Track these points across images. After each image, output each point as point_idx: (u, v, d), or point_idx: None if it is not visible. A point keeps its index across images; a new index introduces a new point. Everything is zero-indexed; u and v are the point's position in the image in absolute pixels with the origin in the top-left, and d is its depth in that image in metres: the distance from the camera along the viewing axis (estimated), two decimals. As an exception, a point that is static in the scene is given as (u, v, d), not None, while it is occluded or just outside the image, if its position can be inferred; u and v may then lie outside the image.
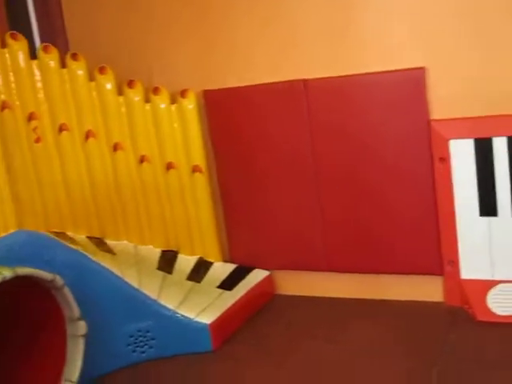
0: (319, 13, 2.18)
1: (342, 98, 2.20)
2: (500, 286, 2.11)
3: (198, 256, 2.50)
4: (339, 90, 2.20)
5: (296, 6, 2.22)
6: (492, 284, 2.12)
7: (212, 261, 2.50)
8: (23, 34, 2.31)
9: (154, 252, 2.48)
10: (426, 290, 2.25)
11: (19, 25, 2.48)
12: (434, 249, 2.19)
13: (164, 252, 2.50)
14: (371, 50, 2.15)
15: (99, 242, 2.42)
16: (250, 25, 2.29)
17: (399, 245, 2.25)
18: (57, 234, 2.39)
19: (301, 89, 2.24)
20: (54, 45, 2.40)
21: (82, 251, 2.10)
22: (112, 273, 2.12)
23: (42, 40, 2.53)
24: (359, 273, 2.34)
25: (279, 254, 2.45)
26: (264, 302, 2.44)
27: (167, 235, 2.51)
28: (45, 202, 2.38)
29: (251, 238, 2.49)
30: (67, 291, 1.99)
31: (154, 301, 2.15)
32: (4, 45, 2.24)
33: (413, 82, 2.11)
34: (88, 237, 2.44)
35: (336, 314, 2.29)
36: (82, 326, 2.04)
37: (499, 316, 2.08)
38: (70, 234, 2.41)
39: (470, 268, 2.15)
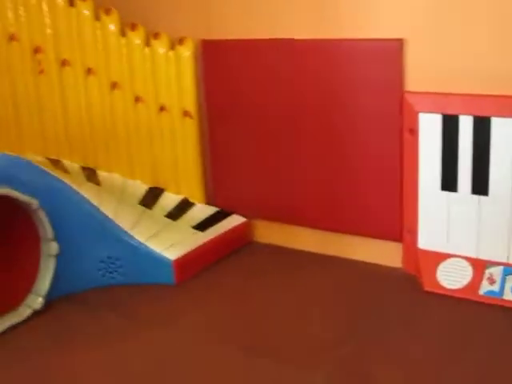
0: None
1: (325, 60, 2.27)
2: (451, 259, 2.17)
3: (183, 196, 2.65)
4: (323, 53, 2.27)
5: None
6: (444, 257, 2.18)
7: (195, 202, 2.64)
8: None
9: (140, 187, 2.65)
10: (387, 254, 2.34)
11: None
12: (396, 216, 2.27)
13: (151, 188, 2.66)
14: (355, 15, 2.20)
15: (91, 173, 2.60)
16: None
17: (365, 209, 2.33)
18: (52, 160, 2.60)
19: (288, 47, 2.32)
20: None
21: (59, 177, 2.27)
22: (88, 201, 2.29)
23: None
24: (327, 230, 2.45)
25: (258, 203, 2.58)
26: (237, 247, 2.58)
27: (156, 173, 2.66)
28: (44, 130, 2.59)
29: (235, 184, 2.61)
30: (42, 213, 2.19)
31: (125, 232, 2.33)
32: (15, -20, 2.43)
33: (390, 53, 2.15)
34: (82, 167, 2.64)
35: (297, 266, 2.42)
36: (54, 247, 2.25)
37: (445, 288, 2.15)
38: (65, 161, 2.61)
39: (426, 239, 2.22)
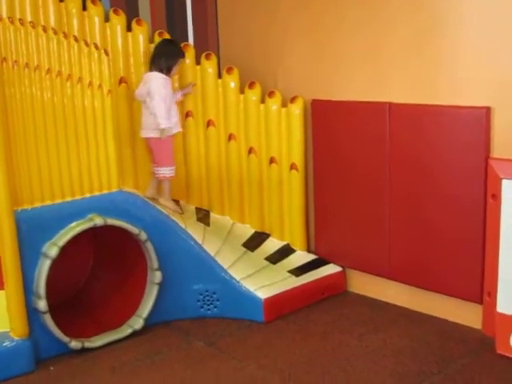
0: (405, 49, 2.41)
1: (416, 123, 2.41)
2: (528, 325, 2.18)
3: (286, 242, 2.84)
4: (415, 116, 2.42)
5: (389, 43, 2.46)
6: (521, 322, 2.20)
7: (296, 249, 2.82)
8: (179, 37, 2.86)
9: (248, 231, 2.88)
10: (469, 315, 2.39)
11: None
12: (477, 278, 2.33)
13: (257, 233, 2.88)
14: (444, 84, 2.33)
15: (204, 214, 2.87)
16: (352, 50, 2.58)
17: (448, 269, 2.40)
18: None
19: (386, 110, 2.48)
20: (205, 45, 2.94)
21: (169, 216, 2.57)
22: (192, 238, 2.57)
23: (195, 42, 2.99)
24: (414, 286, 2.53)
25: (354, 255, 2.72)
26: (330, 294, 2.72)
27: (263, 219, 2.88)
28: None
29: (334, 235, 2.77)
30: (149, 245, 2.49)
31: (224, 269, 2.57)
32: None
33: (477, 120, 2.25)
34: (197, 208, 2.90)
35: (380, 318, 2.53)
36: (158, 275, 2.54)
37: (517, 353, 2.17)
38: (182, 202, 2.88)
39: (505, 302, 2.24)
